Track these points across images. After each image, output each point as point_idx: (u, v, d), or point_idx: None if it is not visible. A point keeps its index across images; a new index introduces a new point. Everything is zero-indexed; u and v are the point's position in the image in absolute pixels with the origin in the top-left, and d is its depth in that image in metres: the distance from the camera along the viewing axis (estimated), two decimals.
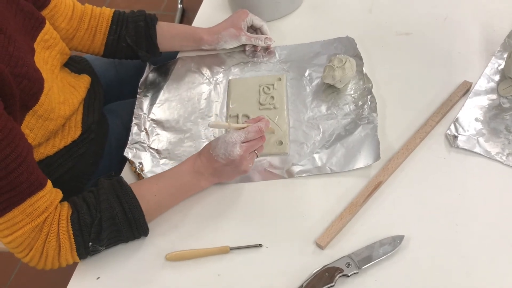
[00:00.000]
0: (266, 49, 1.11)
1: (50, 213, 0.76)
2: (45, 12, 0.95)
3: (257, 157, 0.86)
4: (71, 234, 0.76)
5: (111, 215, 0.78)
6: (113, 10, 1.09)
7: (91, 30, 1.05)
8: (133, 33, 1.06)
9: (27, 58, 0.82)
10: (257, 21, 1.11)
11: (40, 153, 0.91)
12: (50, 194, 0.76)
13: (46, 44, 0.91)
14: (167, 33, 1.10)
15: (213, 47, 1.11)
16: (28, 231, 0.74)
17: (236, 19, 1.09)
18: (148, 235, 0.84)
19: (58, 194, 0.79)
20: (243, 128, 0.82)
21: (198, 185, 0.86)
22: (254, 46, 1.12)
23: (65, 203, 0.79)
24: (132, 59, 1.13)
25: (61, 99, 0.92)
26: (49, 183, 0.78)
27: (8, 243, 0.75)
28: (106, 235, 0.78)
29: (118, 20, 1.07)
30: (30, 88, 0.81)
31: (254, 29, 1.13)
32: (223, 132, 0.87)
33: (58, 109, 0.89)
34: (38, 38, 0.89)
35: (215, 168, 0.83)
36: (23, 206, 0.72)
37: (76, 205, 0.78)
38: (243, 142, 0.81)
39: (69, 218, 0.77)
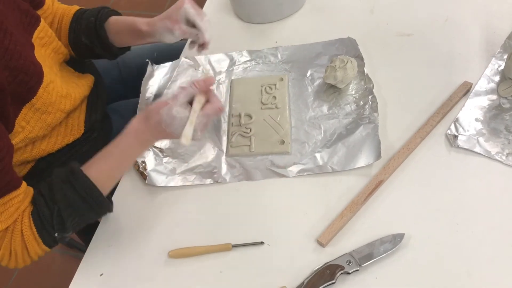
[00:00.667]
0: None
1: (19, 215, 0.76)
2: (39, 13, 0.95)
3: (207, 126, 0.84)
4: (34, 230, 0.76)
5: (68, 203, 0.76)
6: (77, 8, 1.05)
7: (58, 30, 1.03)
8: (86, 30, 1.01)
9: (25, 52, 0.82)
10: (190, 15, 0.93)
11: (41, 150, 0.92)
12: (24, 196, 0.76)
13: (41, 42, 0.92)
14: (114, 29, 1.02)
15: (154, 39, 0.99)
16: None
17: (172, 9, 0.95)
18: (151, 232, 0.84)
19: (28, 196, 0.78)
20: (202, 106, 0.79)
21: (147, 148, 0.90)
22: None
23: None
24: (94, 58, 1.08)
25: (64, 93, 0.92)
26: (24, 184, 0.77)
27: None
28: (69, 223, 0.77)
29: (78, 17, 1.02)
30: (27, 82, 0.81)
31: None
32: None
33: (58, 103, 0.90)
34: (34, 35, 0.89)
35: (165, 136, 0.83)
36: None
37: (35, 200, 0.78)
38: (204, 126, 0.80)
39: (30, 214, 0.76)
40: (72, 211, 0.77)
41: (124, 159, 0.84)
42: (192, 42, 0.99)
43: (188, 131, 0.76)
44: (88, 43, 1.02)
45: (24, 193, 0.76)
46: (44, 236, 0.76)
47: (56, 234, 0.77)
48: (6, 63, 0.77)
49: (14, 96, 0.80)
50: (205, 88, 0.80)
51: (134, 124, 0.83)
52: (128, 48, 1.07)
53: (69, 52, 1.04)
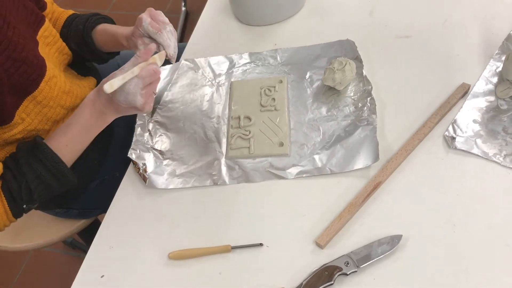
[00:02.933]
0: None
1: None
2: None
3: (155, 95, 0.86)
4: (5, 203, 0.80)
5: (35, 175, 0.81)
6: (70, 13, 1.07)
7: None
8: (74, 37, 1.03)
9: (28, 45, 0.84)
10: (150, 33, 0.90)
11: None
12: None
13: (46, 41, 0.94)
14: (99, 39, 1.04)
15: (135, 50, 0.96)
16: None
17: (136, 25, 0.93)
18: (151, 234, 0.85)
19: None
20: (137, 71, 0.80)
21: (104, 123, 0.88)
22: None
23: None
24: (86, 63, 1.10)
25: (66, 89, 0.94)
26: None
27: None
28: (37, 194, 0.82)
29: (69, 23, 1.04)
30: (30, 74, 0.83)
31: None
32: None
33: (59, 98, 0.91)
34: (39, 33, 0.91)
35: (117, 108, 0.84)
36: None
37: (3, 175, 0.81)
38: (142, 90, 0.80)
39: (0, 188, 0.80)
40: (39, 182, 0.81)
41: (82, 132, 0.87)
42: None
43: (115, 81, 0.78)
44: (77, 50, 1.04)
45: None
46: (13, 208, 0.81)
47: (24, 206, 0.82)
48: (9, 54, 0.79)
49: (16, 88, 0.82)
50: (145, 56, 0.82)
51: (90, 96, 0.85)
52: (117, 53, 1.10)
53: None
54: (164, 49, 0.91)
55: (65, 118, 0.96)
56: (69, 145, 0.85)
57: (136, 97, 0.80)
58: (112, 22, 1.08)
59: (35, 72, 0.85)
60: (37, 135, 0.91)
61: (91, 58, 1.07)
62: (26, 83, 0.83)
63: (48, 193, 0.84)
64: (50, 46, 0.95)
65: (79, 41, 1.03)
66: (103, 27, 1.04)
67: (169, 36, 0.91)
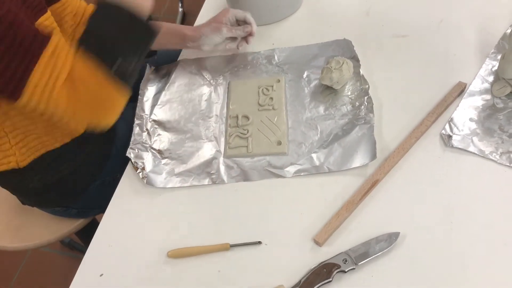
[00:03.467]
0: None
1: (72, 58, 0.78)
2: (56, 6, 0.97)
3: None
4: (87, 54, 0.79)
5: (109, 17, 0.81)
6: None
7: (78, 26, 1.06)
8: None
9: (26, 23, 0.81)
10: (240, 14, 1.09)
11: (44, 141, 0.94)
12: (62, 40, 0.79)
13: (45, 31, 0.92)
14: None
15: (197, 44, 1.10)
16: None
17: (218, 15, 1.09)
18: (150, 232, 0.86)
19: (69, 42, 0.81)
20: None
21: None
22: (236, 41, 1.11)
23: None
24: None
25: None
26: (54, 32, 0.79)
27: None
28: (120, 40, 0.81)
29: None
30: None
31: (240, 24, 1.11)
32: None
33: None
34: (38, 21, 0.89)
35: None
36: (43, 59, 0.74)
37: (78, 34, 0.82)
38: None
39: (77, 45, 0.80)
40: (122, 28, 0.81)
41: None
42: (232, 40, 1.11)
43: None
44: None
45: (59, 38, 0.78)
46: (101, 62, 0.78)
47: (118, 59, 0.79)
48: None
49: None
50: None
51: None
52: (155, 52, 1.13)
53: None
54: (252, 26, 1.08)
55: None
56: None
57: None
58: None
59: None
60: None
61: None
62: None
63: (133, 43, 0.83)
64: None
65: None
66: (152, 22, 1.07)
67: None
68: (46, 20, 0.92)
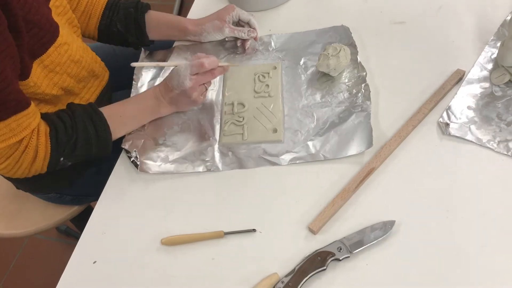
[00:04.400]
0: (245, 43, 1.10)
1: (31, 130, 0.83)
2: None
3: (206, 90, 0.96)
4: (49, 149, 0.85)
5: (86, 136, 0.88)
6: None
7: (87, 14, 1.08)
8: (123, 18, 1.09)
9: (42, 10, 0.86)
10: (245, 15, 1.10)
11: None
12: (33, 114, 0.83)
13: (57, 10, 0.95)
14: (155, 21, 1.11)
15: (198, 38, 1.13)
16: (10, 145, 0.82)
17: (222, 12, 1.10)
18: (144, 219, 0.85)
19: (38, 115, 0.85)
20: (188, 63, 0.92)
21: (158, 110, 0.97)
22: (237, 40, 1.12)
23: (42, 120, 0.87)
24: (123, 45, 1.15)
25: (76, 58, 0.96)
26: (33, 105, 0.84)
27: None
28: (78, 152, 0.89)
29: (112, 5, 1.10)
30: (41, 37, 0.86)
31: (242, 24, 1.12)
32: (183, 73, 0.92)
33: (66, 66, 0.94)
34: (51, 2, 0.93)
35: (171, 97, 0.94)
36: (9, 121, 0.79)
37: (54, 123, 0.87)
38: (191, 75, 0.91)
39: (48, 134, 0.85)
40: (84, 144, 0.88)
41: (137, 111, 0.96)
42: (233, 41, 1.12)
43: (146, 63, 0.99)
44: (123, 31, 1.10)
45: (33, 111, 0.83)
46: (53, 157, 0.87)
47: (61, 158, 0.88)
48: (24, 15, 0.80)
49: (27, 49, 0.83)
50: (199, 65, 0.91)
51: (156, 86, 0.98)
52: (152, 42, 1.15)
53: (91, 37, 1.12)
54: (255, 31, 1.09)
55: (75, 88, 0.99)
56: (122, 117, 0.95)
57: (185, 79, 0.91)
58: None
59: (45, 36, 0.87)
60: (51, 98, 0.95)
61: (133, 40, 1.11)
62: (36, 45, 0.85)
63: (85, 156, 0.91)
64: (61, 16, 0.97)
65: (129, 22, 1.09)
66: (156, 12, 1.12)
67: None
68: (57, 1, 0.95)
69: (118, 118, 0.94)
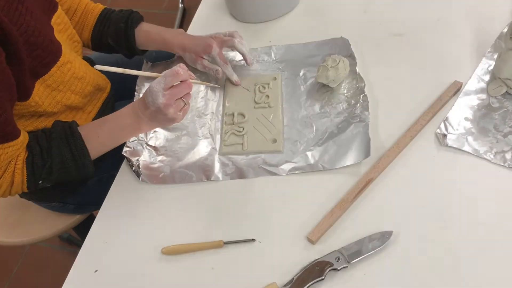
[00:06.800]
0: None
1: (13, 159, 0.84)
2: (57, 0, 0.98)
3: (184, 104, 0.86)
4: (25, 174, 0.85)
5: (61, 160, 0.86)
6: (102, 8, 1.11)
7: (81, 24, 1.09)
8: (113, 34, 1.08)
9: (44, 30, 0.86)
10: (236, 48, 1.05)
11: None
12: (20, 144, 0.84)
13: (58, 27, 0.95)
14: (144, 39, 1.09)
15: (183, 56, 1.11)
16: None
17: (202, 45, 1.05)
18: (145, 229, 0.86)
19: (25, 143, 0.86)
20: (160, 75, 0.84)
21: (138, 128, 0.90)
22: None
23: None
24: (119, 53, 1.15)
25: (80, 75, 0.96)
26: (22, 135, 0.84)
27: None
28: (55, 176, 0.87)
29: (104, 18, 1.09)
30: (43, 58, 0.86)
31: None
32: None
33: (70, 84, 0.94)
34: (52, 20, 0.93)
35: (150, 113, 0.85)
36: None
37: (31, 147, 0.86)
38: (165, 90, 0.81)
39: (25, 160, 0.85)
40: (61, 167, 0.86)
41: (116, 129, 0.90)
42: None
43: (111, 68, 0.83)
44: (114, 45, 1.10)
45: (21, 142, 0.84)
46: (30, 180, 0.86)
47: (40, 182, 0.87)
48: (27, 38, 0.81)
49: (29, 70, 0.84)
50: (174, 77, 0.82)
51: (135, 101, 0.93)
52: (145, 51, 1.14)
53: (87, 46, 1.11)
54: (228, 78, 1.05)
55: (79, 104, 0.99)
56: (100, 137, 0.90)
57: (158, 96, 0.81)
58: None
59: (48, 56, 0.87)
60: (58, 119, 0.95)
61: (125, 54, 1.12)
62: (39, 66, 0.86)
63: (65, 178, 0.88)
64: (62, 32, 0.97)
65: (119, 38, 1.08)
66: (146, 29, 1.09)
67: (240, 47, 1.04)
68: (58, 18, 0.95)
69: (96, 138, 0.89)
